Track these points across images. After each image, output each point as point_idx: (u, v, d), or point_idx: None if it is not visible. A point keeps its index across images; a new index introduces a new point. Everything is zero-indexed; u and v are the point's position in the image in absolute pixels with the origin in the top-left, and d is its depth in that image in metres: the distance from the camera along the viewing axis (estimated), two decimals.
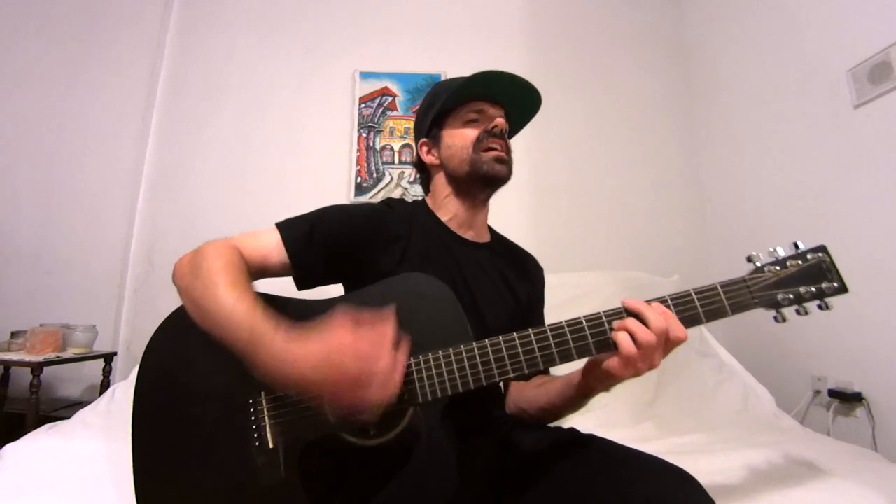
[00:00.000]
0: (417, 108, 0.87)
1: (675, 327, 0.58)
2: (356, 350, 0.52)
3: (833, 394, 1.43)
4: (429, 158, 0.88)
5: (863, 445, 1.17)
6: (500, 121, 0.82)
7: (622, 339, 0.57)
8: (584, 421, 1.27)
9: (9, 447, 0.90)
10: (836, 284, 0.59)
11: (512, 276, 0.87)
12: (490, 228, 0.93)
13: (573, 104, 2.18)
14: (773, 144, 1.75)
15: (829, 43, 1.51)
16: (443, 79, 2.11)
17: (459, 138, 0.83)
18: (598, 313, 0.60)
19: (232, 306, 0.59)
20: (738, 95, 1.96)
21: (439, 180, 0.88)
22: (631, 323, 0.57)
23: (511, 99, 0.85)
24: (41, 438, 0.97)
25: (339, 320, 0.54)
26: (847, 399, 1.38)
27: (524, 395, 0.82)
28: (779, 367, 1.64)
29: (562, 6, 2.30)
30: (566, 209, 2.11)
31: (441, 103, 0.84)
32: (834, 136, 1.49)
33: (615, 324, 0.59)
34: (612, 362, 0.58)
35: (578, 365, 0.65)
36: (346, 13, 2.24)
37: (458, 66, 2.20)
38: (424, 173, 0.92)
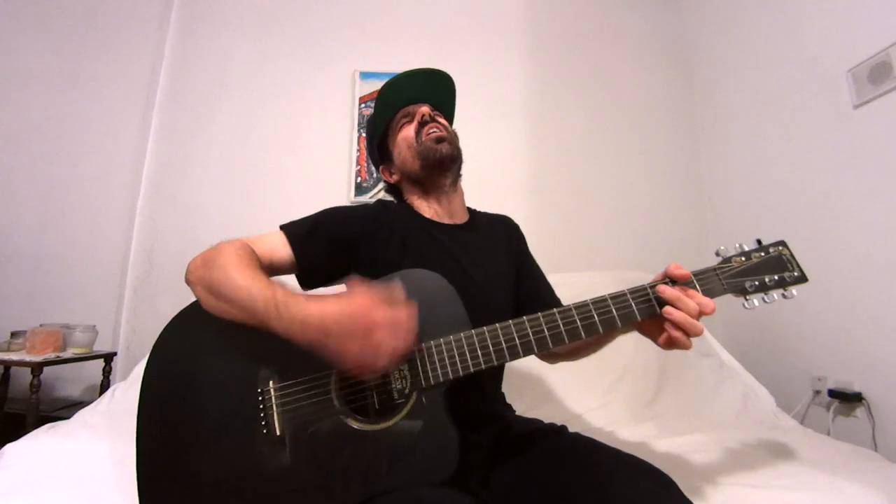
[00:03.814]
0: None
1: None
2: (374, 305, 0.57)
3: (833, 394, 1.43)
4: (392, 178, 0.95)
5: (863, 445, 1.17)
6: (424, 109, 0.90)
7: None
8: (584, 421, 1.28)
9: (9, 447, 0.90)
10: (796, 274, 0.66)
11: (496, 244, 0.93)
12: (468, 209, 0.97)
13: (573, 104, 2.18)
14: (773, 144, 1.75)
15: (829, 43, 1.51)
16: None
17: (402, 141, 0.90)
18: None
19: (251, 282, 0.63)
20: (738, 95, 1.96)
21: (406, 188, 0.94)
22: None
23: (430, 92, 0.93)
24: (41, 438, 0.96)
25: (358, 287, 0.60)
26: (847, 399, 1.38)
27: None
28: (779, 367, 1.64)
29: (562, 6, 2.30)
30: (566, 209, 2.10)
31: (375, 128, 0.94)
32: (834, 136, 1.49)
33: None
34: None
35: None
36: (346, 13, 2.24)
37: (458, 65, 2.20)
38: (396, 192, 0.98)
